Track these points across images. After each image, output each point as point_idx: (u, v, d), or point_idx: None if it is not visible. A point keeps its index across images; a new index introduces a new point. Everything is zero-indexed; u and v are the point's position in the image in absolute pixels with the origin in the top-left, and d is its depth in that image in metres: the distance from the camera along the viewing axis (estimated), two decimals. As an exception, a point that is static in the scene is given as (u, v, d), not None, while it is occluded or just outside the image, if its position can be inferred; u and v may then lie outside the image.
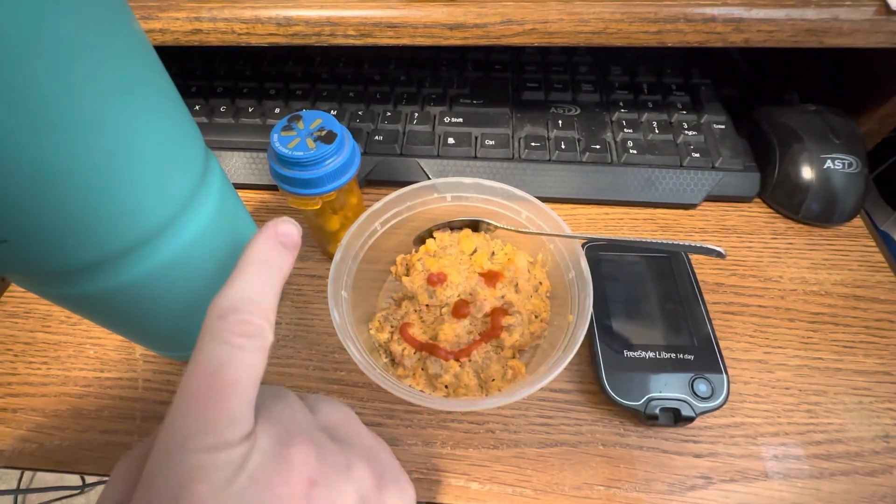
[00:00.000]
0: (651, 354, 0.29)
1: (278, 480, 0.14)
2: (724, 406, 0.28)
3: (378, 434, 0.21)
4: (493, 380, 0.28)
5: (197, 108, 0.43)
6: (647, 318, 0.31)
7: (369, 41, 0.33)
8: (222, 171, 0.26)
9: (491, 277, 0.31)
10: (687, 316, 0.31)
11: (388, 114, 0.42)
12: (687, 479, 0.27)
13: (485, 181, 0.31)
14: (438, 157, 0.40)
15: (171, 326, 0.26)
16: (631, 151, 0.39)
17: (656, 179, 0.38)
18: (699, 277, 0.33)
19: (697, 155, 0.38)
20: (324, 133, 0.28)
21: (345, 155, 0.29)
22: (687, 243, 0.26)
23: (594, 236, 0.28)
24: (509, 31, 0.32)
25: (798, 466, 0.28)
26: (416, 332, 0.30)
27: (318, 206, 0.30)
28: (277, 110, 0.43)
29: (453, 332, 0.29)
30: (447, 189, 0.32)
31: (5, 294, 0.36)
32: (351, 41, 0.33)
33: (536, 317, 0.31)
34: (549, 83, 0.45)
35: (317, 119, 0.29)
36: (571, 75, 0.46)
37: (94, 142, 0.16)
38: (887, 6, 0.30)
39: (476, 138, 0.41)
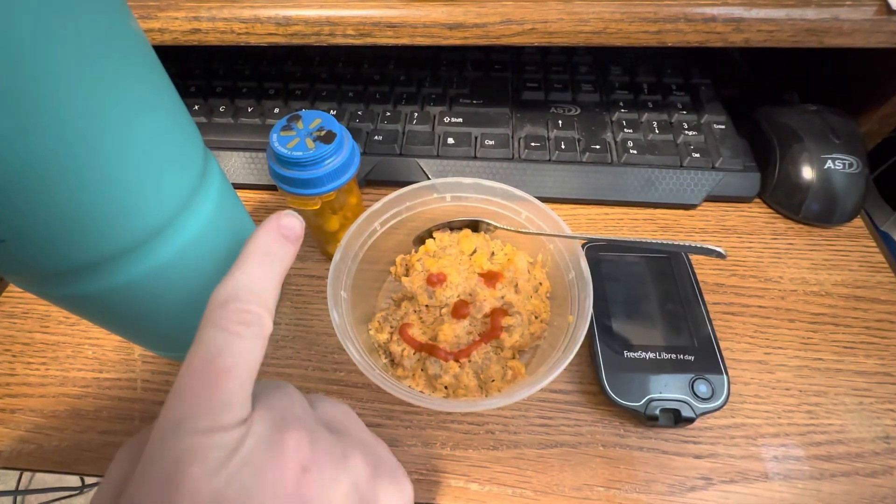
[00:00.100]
0: (651, 355, 0.29)
1: (271, 465, 0.15)
2: (725, 407, 0.28)
3: (377, 435, 0.21)
4: (493, 380, 0.28)
5: (196, 107, 0.43)
6: (648, 318, 0.31)
7: (369, 41, 0.33)
8: (221, 171, 0.25)
9: (491, 278, 0.31)
10: (687, 316, 0.31)
11: (388, 114, 0.42)
12: (687, 480, 0.27)
13: (484, 181, 0.31)
14: (438, 157, 0.40)
15: (169, 327, 0.26)
16: (631, 151, 0.39)
17: (656, 179, 0.38)
18: (699, 278, 0.33)
19: (697, 155, 0.38)
20: (323, 133, 0.28)
21: (344, 155, 0.29)
22: (687, 244, 0.26)
23: (594, 237, 0.28)
24: (509, 31, 0.32)
25: (798, 467, 0.27)
26: (416, 332, 0.30)
27: (317, 207, 0.30)
28: (277, 110, 0.43)
29: (453, 332, 0.29)
30: (447, 189, 0.32)
31: (3, 294, 0.36)
32: (350, 41, 0.33)
33: (536, 317, 0.31)
34: (548, 83, 0.45)
35: (316, 119, 0.29)
36: (571, 75, 0.46)
37: (91, 142, 0.16)
38: (888, 6, 0.30)
39: (476, 138, 0.41)
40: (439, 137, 0.41)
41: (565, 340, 0.27)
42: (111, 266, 0.20)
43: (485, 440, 0.29)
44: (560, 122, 0.41)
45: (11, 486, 0.83)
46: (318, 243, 0.37)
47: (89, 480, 0.78)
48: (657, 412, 0.27)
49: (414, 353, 0.29)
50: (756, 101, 0.42)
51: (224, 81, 0.45)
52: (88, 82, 0.15)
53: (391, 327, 0.31)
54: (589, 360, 0.31)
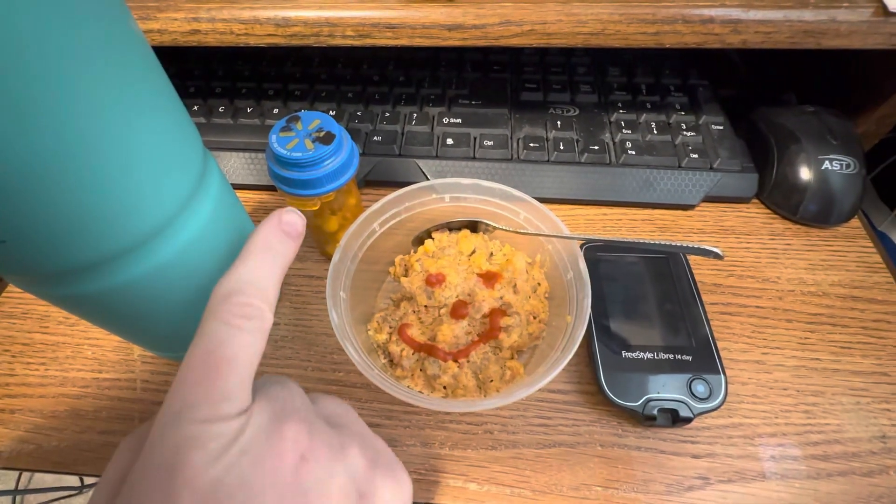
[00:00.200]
0: (649, 355, 0.29)
1: (270, 454, 0.15)
2: (722, 407, 0.28)
3: (376, 434, 0.21)
4: (492, 380, 0.28)
5: (195, 108, 0.43)
6: (646, 318, 0.31)
7: (368, 42, 0.33)
8: (221, 171, 0.26)
9: (489, 278, 0.31)
10: (685, 317, 0.31)
11: (387, 114, 0.42)
12: (685, 480, 0.27)
13: (483, 182, 0.31)
14: (437, 157, 0.40)
15: (169, 327, 0.26)
16: (629, 152, 0.39)
17: (654, 180, 0.38)
18: (697, 278, 0.33)
19: (696, 156, 0.39)
20: (322, 134, 0.28)
21: (343, 156, 0.29)
22: (685, 244, 0.26)
23: (592, 237, 0.28)
24: (508, 32, 0.32)
25: (795, 467, 0.28)
26: (415, 332, 0.30)
27: (316, 207, 0.30)
28: (276, 111, 0.43)
29: (452, 332, 0.29)
30: (446, 190, 0.32)
31: (3, 295, 0.36)
32: (349, 42, 0.33)
33: (535, 317, 0.31)
34: (547, 84, 0.45)
35: (315, 120, 0.29)
36: (570, 76, 0.46)
37: (92, 143, 0.16)
38: (885, 7, 0.30)
39: (475, 139, 0.41)
40: (438, 138, 0.41)
41: (564, 341, 0.27)
42: (111, 266, 0.20)
43: (483, 440, 0.29)
44: (559, 122, 0.41)
45: (11, 486, 0.83)
46: (317, 244, 0.37)
47: (88, 480, 0.78)
48: (655, 412, 0.27)
49: (413, 354, 0.29)
50: (754, 102, 0.42)
51: (223, 82, 0.45)
52: (89, 83, 0.15)
53: (390, 327, 0.31)
54: (587, 361, 0.31)
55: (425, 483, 0.28)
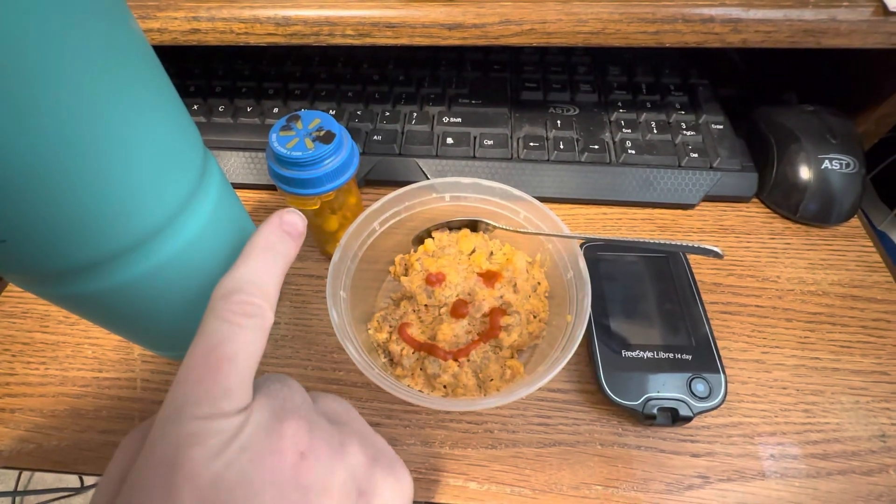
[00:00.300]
0: (649, 354, 0.29)
1: (269, 451, 0.15)
2: (722, 406, 0.28)
3: (377, 433, 0.21)
4: (492, 380, 0.28)
5: (195, 107, 0.43)
6: (646, 318, 0.31)
7: (368, 41, 0.33)
8: (221, 170, 0.25)
9: (489, 277, 0.31)
10: (685, 316, 0.31)
11: (387, 114, 0.42)
12: (684, 479, 0.27)
13: (483, 181, 0.31)
14: (437, 156, 0.40)
15: (169, 326, 0.26)
16: (629, 151, 0.39)
17: (654, 179, 0.38)
18: (697, 277, 0.33)
19: (695, 155, 0.39)
20: (322, 133, 0.28)
21: (343, 155, 0.29)
22: (685, 243, 0.26)
23: (592, 236, 0.28)
24: (508, 32, 0.32)
25: (795, 466, 0.28)
26: (415, 332, 0.30)
27: (316, 206, 0.30)
28: (276, 110, 0.43)
29: (452, 332, 0.29)
30: (446, 189, 0.32)
31: (3, 294, 0.36)
32: (349, 41, 0.33)
33: (535, 317, 0.31)
34: (547, 83, 0.45)
35: (315, 119, 0.29)
36: (570, 75, 0.46)
37: (92, 142, 0.16)
38: (885, 7, 0.30)
39: (475, 138, 0.41)
40: (438, 137, 0.41)
41: (564, 340, 0.27)
42: (111, 266, 0.20)
43: (483, 439, 0.29)
44: (559, 122, 0.41)
45: (11, 485, 0.83)
46: (317, 243, 0.37)
47: (88, 480, 0.78)
48: (655, 411, 0.27)
49: (413, 353, 0.29)
50: (754, 102, 0.42)
51: (223, 81, 0.45)
52: (90, 83, 0.15)
53: (390, 327, 0.31)
54: (587, 360, 0.31)
55: (425, 482, 0.28)
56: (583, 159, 0.39)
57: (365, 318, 0.32)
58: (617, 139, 0.40)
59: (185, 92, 0.44)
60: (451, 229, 0.34)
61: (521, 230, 0.31)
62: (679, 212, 0.39)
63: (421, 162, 0.40)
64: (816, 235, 0.37)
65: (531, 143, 0.40)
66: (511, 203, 0.31)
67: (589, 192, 0.39)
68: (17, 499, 0.83)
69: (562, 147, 0.40)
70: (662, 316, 0.31)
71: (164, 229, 0.21)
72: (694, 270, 0.33)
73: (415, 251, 0.33)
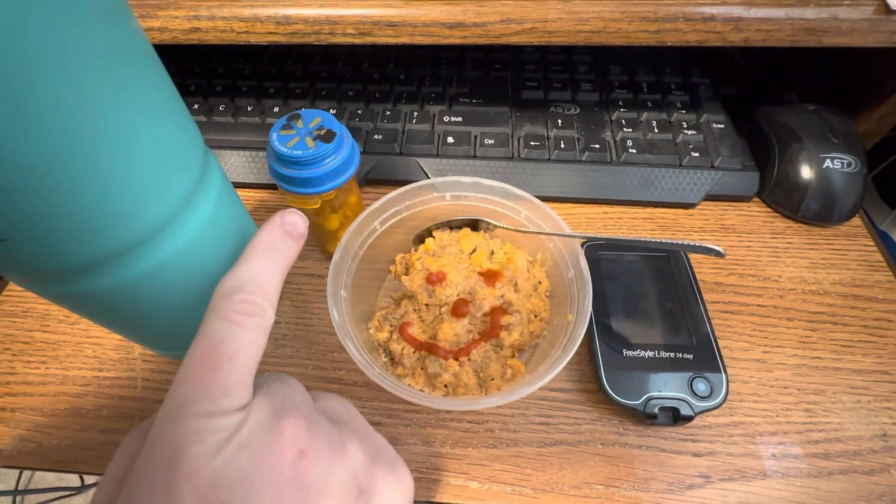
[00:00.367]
0: (650, 353, 0.29)
1: (269, 449, 0.15)
2: (723, 405, 0.28)
3: (378, 432, 0.21)
4: (493, 379, 0.28)
5: (196, 106, 0.43)
6: (647, 317, 0.31)
7: (369, 40, 0.33)
8: (222, 170, 0.25)
9: (490, 276, 0.31)
10: (686, 315, 0.31)
11: (388, 113, 0.42)
12: (686, 478, 0.27)
13: (484, 180, 0.31)
14: (438, 156, 0.40)
15: (170, 325, 0.26)
16: (630, 151, 0.39)
17: (655, 179, 0.38)
18: (698, 277, 0.33)
19: (697, 154, 0.39)
20: (323, 132, 0.28)
21: (344, 154, 0.29)
22: (686, 242, 0.26)
23: (593, 235, 0.28)
24: (509, 30, 0.32)
25: (796, 465, 0.28)
26: (416, 331, 0.30)
27: (317, 205, 0.30)
28: (276, 109, 0.43)
29: (452, 331, 0.29)
30: (446, 188, 0.32)
31: (3, 293, 0.36)
32: (350, 40, 0.33)
33: (536, 316, 0.31)
34: (548, 82, 0.45)
35: (316, 118, 0.29)
36: (571, 74, 0.46)
37: (93, 142, 0.16)
38: (886, 6, 0.30)
39: (475, 137, 0.41)
40: (439, 136, 0.41)
41: (564, 339, 0.27)
42: (111, 265, 0.20)
43: (484, 438, 0.29)
44: (559, 121, 0.41)
45: (11, 485, 0.83)
46: (317, 242, 0.37)
47: (89, 480, 0.78)
48: (656, 410, 0.27)
49: (414, 352, 0.29)
50: (755, 101, 0.42)
51: (224, 80, 0.45)
52: (91, 82, 0.15)
53: (391, 326, 0.31)
54: (588, 359, 0.31)
55: (426, 481, 0.28)
56: (584, 158, 0.39)
57: (366, 317, 0.32)
58: (618, 138, 0.40)
59: (185, 91, 0.44)
60: (451, 228, 0.34)
61: (522, 229, 0.31)
62: (680, 211, 0.39)
63: (422, 161, 0.40)
64: (818, 235, 0.37)
65: (532, 143, 0.40)
66: (512, 202, 0.31)
67: (590, 191, 0.39)
68: (18, 498, 0.83)
69: (563, 146, 0.39)
70: (663, 315, 0.31)
71: (165, 228, 0.21)
72: (695, 270, 0.33)
73: (415, 250, 0.33)
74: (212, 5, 0.32)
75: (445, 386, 0.28)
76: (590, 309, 0.26)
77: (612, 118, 0.42)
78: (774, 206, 0.38)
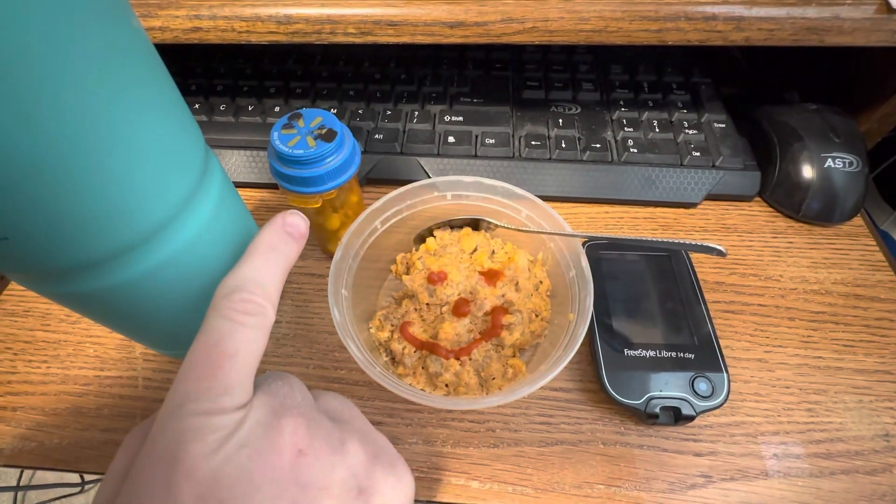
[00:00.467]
0: (651, 353, 0.29)
1: (268, 448, 0.15)
2: (725, 405, 0.28)
3: (378, 431, 0.21)
4: (494, 378, 0.28)
5: (197, 106, 0.43)
6: (648, 316, 0.31)
7: (370, 39, 0.33)
8: (222, 169, 0.25)
9: (491, 276, 0.31)
10: (687, 315, 0.31)
11: (389, 112, 0.42)
12: (687, 478, 0.27)
13: (485, 180, 0.31)
14: (439, 155, 0.40)
15: (171, 324, 0.26)
16: (631, 150, 0.39)
17: (657, 178, 0.38)
18: (699, 276, 0.33)
19: (698, 154, 0.38)
20: (324, 131, 0.28)
21: (345, 153, 0.29)
22: (687, 242, 0.26)
23: (595, 235, 0.28)
24: (510, 30, 0.32)
25: (798, 465, 0.28)
26: (417, 330, 0.30)
27: (318, 205, 0.30)
28: (277, 108, 0.43)
29: (454, 330, 0.29)
30: (447, 187, 0.32)
31: (4, 292, 0.36)
32: (351, 39, 0.33)
33: (537, 315, 0.31)
34: (549, 82, 0.45)
35: (317, 117, 0.29)
36: (572, 74, 0.46)
37: (94, 141, 0.16)
38: (888, 5, 0.30)
39: (476, 137, 0.41)
40: (440, 136, 0.41)
41: (566, 338, 0.27)
42: (112, 264, 0.20)
43: (485, 438, 0.29)
44: (560, 120, 0.41)
45: (12, 484, 0.83)
46: (318, 241, 0.37)
47: (89, 478, 0.78)
48: (657, 410, 0.27)
49: (415, 352, 0.29)
50: (756, 100, 0.42)
51: (225, 80, 0.45)
52: (92, 81, 0.15)
53: (392, 325, 0.31)
54: (589, 359, 0.31)
55: (427, 481, 0.28)
56: (585, 158, 0.39)
57: (366, 316, 0.32)
58: (619, 138, 0.40)
59: (186, 90, 0.44)
60: (452, 228, 0.34)
61: (523, 229, 0.31)
62: (681, 210, 0.39)
63: (422, 160, 0.40)
64: (819, 234, 0.37)
65: (533, 142, 0.40)
66: (513, 202, 0.31)
67: (591, 190, 0.39)
68: (19, 495, 0.83)
69: (564, 146, 0.39)
70: (665, 315, 0.31)
71: (166, 227, 0.21)
72: (696, 269, 0.33)
73: (416, 250, 0.33)
74: (213, 5, 0.32)
75: (446, 385, 0.28)
76: (591, 308, 0.26)
77: (613, 118, 0.42)
78: (776, 205, 0.38)
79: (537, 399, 0.30)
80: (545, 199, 0.30)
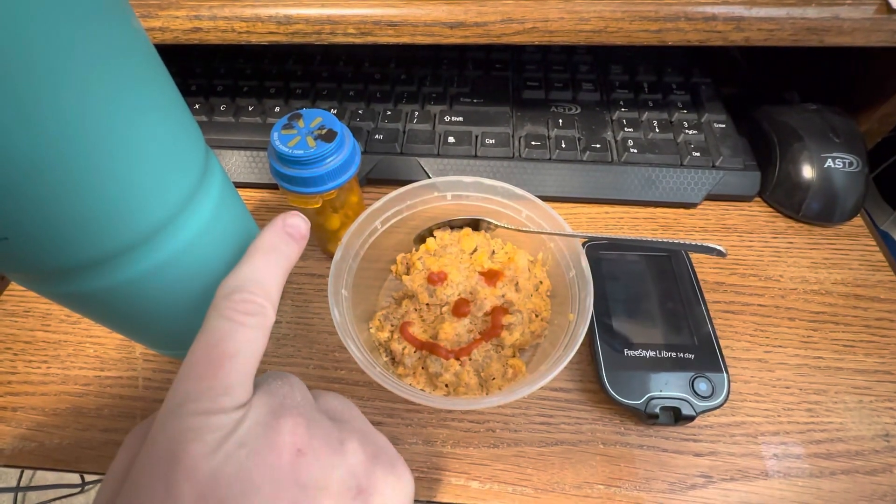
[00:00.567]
0: (651, 353, 0.29)
1: (267, 447, 0.15)
2: (725, 405, 0.28)
3: (378, 431, 0.21)
4: (494, 378, 0.28)
5: (197, 106, 0.43)
6: (648, 316, 0.31)
7: (370, 40, 0.33)
8: (223, 169, 0.25)
9: (491, 276, 0.31)
10: (687, 315, 0.31)
11: (389, 112, 0.42)
12: (687, 478, 0.27)
13: (485, 180, 0.31)
14: (439, 155, 0.40)
15: (171, 324, 0.26)
16: (631, 150, 0.39)
17: (657, 178, 0.38)
18: (699, 276, 0.33)
19: (698, 154, 0.38)
20: (324, 131, 0.28)
21: (345, 153, 0.29)
22: (687, 242, 0.26)
23: (595, 235, 0.28)
24: (510, 30, 0.32)
25: (798, 465, 0.28)
26: (417, 330, 0.30)
27: (318, 205, 0.30)
28: (278, 109, 0.43)
29: (454, 330, 0.29)
30: (447, 188, 0.32)
31: (4, 293, 0.36)
32: (351, 40, 0.33)
33: (537, 315, 0.31)
34: (549, 82, 0.45)
35: (317, 117, 0.29)
36: (572, 74, 0.46)
37: (94, 141, 0.16)
38: (888, 5, 0.30)
39: (476, 137, 0.41)
40: (440, 136, 0.41)
41: (566, 339, 0.27)
42: (112, 264, 0.20)
43: (485, 438, 0.29)
44: (560, 120, 0.41)
45: (12, 484, 0.83)
46: (319, 242, 0.37)
47: (90, 478, 0.78)
48: (657, 410, 0.27)
49: (415, 352, 0.29)
50: (756, 100, 0.42)
51: (225, 80, 0.45)
52: (93, 81, 0.15)
53: (392, 325, 0.31)
54: (589, 359, 0.31)
55: (427, 481, 0.28)
56: (585, 158, 0.39)
57: (367, 316, 0.32)
58: (619, 138, 0.40)
59: (186, 91, 0.44)
60: (452, 228, 0.34)
61: (523, 229, 0.31)
62: (681, 211, 0.39)
63: (422, 161, 0.40)
64: (819, 234, 0.37)
65: (533, 142, 0.40)
66: (513, 202, 0.31)
67: (591, 190, 0.39)
68: (20, 495, 0.83)
69: (563, 146, 0.39)
70: (665, 315, 0.31)
71: (166, 227, 0.21)
72: (696, 269, 0.33)
73: (416, 250, 0.33)
74: (213, 5, 0.32)
75: (446, 385, 0.28)
76: (591, 308, 0.26)
77: (613, 118, 0.42)
78: (776, 205, 0.38)
79: (537, 399, 0.30)
80: (545, 199, 0.30)
